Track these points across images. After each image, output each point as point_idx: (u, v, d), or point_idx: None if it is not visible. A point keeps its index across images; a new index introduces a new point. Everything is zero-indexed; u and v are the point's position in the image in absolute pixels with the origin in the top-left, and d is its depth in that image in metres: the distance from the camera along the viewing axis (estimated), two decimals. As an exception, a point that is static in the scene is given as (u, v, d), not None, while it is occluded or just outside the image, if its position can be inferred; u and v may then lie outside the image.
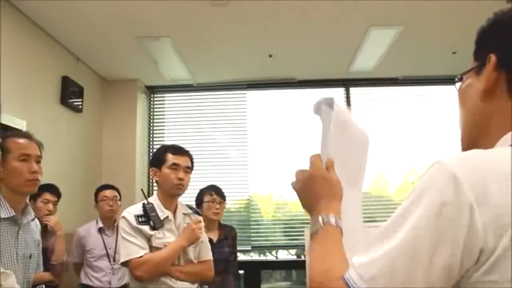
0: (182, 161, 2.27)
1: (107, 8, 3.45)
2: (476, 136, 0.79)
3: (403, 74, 4.96)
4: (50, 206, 3.22)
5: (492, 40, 0.79)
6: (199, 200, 3.36)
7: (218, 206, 3.31)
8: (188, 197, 2.46)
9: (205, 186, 3.47)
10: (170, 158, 2.26)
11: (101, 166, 4.77)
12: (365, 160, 1.05)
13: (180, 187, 2.26)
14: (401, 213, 0.65)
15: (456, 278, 0.60)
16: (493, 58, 0.76)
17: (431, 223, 0.61)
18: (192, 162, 2.33)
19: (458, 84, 0.84)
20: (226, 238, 3.35)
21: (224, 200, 3.40)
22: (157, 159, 2.30)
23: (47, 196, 3.21)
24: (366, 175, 1.05)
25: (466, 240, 0.59)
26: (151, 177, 5.06)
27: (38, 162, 1.99)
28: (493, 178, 0.61)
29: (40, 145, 2.04)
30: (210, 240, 2.87)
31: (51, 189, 3.23)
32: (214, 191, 3.36)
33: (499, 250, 0.58)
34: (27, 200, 2.16)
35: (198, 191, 3.43)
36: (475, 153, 0.68)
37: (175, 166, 2.24)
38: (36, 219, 2.53)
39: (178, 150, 2.30)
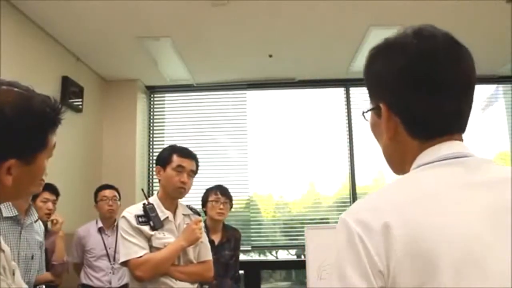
0: (188, 164, 2.25)
1: (107, 8, 3.45)
2: (398, 166, 0.86)
3: (403, 74, 4.95)
4: (50, 205, 3.21)
5: (379, 91, 0.84)
6: (204, 199, 3.33)
7: (222, 206, 3.26)
8: (188, 198, 2.45)
9: (212, 185, 3.42)
10: (176, 160, 2.23)
11: (101, 166, 4.77)
12: None
13: (182, 191, 2.25)
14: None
15: None
16: (383, 108, 0.82)
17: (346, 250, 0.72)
18: (197, 166, 2.31)
19: (366, 115, 0.89)
20: (228, 241, 3.28)
21: (230, 200, 3.36)
22: (162, 159, 2.28)
23: (46, 195, 3.19)
24: None
25: (368, 261, 0.68)
26: (154, 175, 5.07)
27: None
28: (374, 215, 0.71)
29: None
30: (212, 242, 2.84)
31: (49, 188, 3.23)
32: (219, 191, 3.32)
33: (393, 262, 0.67)
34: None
35: (198, 191, 3.37)
36: (365, 198, 0.79)
37: (180, 169, 2.22)
38: (39, 220, 2.52)
39: (184, 153, 2.28)
